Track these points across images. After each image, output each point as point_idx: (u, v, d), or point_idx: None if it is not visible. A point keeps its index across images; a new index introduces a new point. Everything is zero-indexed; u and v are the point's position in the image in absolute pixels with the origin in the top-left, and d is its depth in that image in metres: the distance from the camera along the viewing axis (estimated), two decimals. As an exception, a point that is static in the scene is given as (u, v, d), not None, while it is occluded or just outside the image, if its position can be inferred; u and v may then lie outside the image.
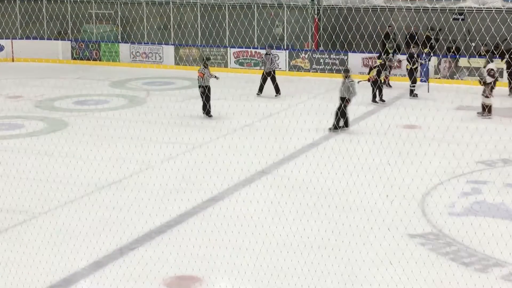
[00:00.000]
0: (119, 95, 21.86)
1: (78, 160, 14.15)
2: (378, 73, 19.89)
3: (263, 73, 21.12)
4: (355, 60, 24.44)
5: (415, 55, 21.04)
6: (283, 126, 17.08)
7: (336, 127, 16.52)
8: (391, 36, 23.76)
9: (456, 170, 13.32)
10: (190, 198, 11.91)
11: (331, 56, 24.89)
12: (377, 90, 20.13)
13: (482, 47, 22.85)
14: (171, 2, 27.43)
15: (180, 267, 9.41)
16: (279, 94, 20.98)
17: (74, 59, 28.54)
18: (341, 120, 16.57)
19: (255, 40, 25.86)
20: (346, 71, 17.08)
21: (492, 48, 22.29)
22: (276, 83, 20.93)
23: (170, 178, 13.23)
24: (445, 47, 23.46)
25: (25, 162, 13.59)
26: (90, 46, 28.24)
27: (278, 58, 21.56)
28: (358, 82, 20.90)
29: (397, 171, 12.65)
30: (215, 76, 18.34)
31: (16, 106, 19.71)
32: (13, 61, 28.56)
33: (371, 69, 20.42)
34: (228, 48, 26.18)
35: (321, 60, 25.06)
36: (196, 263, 9.56)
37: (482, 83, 18.34)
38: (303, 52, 25.37)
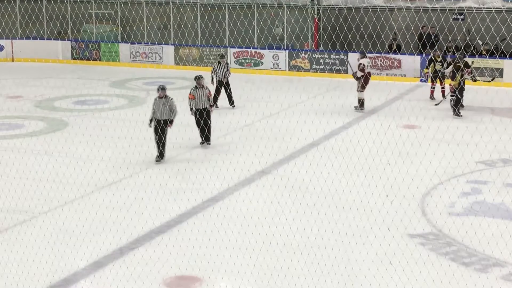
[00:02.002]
0: (119, 95, 21.86)
1: (78, 160, 14.15)
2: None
3: (216, 84, 19.52)
4: (355, 60, 24.42)
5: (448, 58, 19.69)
6: (283, 126, 17.09)
7: (160, 157, 14.30)
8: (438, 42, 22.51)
9: (456, 170, 13.32)
10: (190, 198, 11.91)
11: (331, 56, 24.89)
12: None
13: (482, 46, 22.87)
14: (171, 2, 27.42)
15: (180, 267, 9.42)
16: (233, 105, 19.71)
17: (74, 59, 28.54)
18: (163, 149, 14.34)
19: (255, 40, 25.86)
20: (163, 89, 14.49)
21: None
22: (229, 92, 19.65)
23: (170, 178, 13.24)
24: (445, 47, 23.45)
25: (25, 162, 13.59)
26: (90, 46, 28.24)
27: (229, 72, 19.61)
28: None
29: (397, 171, 12.66)
30: (214, 104, 15.91)
31: (16, 106, 19.71)
32: (13, 61, 28.56)
33: (454, 76, 18.21)
34: (228, 48, 26.17)
35: (321, 60, 25.05)
36: (196, 263, 9.56)
37: (354, 77, 19.25)
38: (303, 52, 25.36)
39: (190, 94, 15.52)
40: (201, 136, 15.55)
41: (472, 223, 10.74)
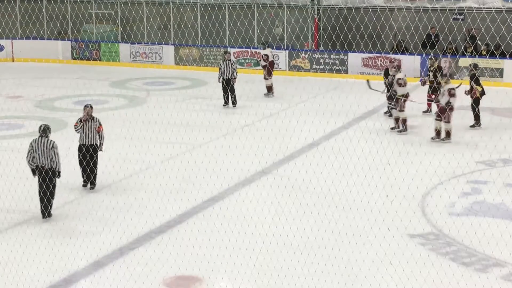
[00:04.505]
0: (119, 95, 21.86)
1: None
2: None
3: (222, 83, 19.57)
4: (355, 60, 24.43)
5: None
6: (283, 126, 17.08)
7: (46, 214, 11.27)
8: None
9: (456, 170, 13.32)
10: (190, 198, 11.91)
11: (331, 56, 24.88)
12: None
13: (482, 46, 22.86)
14: (171, 2, 27.42)
15: (180, 267, 9.42)
16: (235, 105, 19.69)
17: (74, 59, 28.53)
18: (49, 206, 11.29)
19: (255, 40, 25.84)
20: (46, 130, 11.35)
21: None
22: (235, 94, 19.68)
23: (170, 178, 13.23)
24: (445, 47, 23.44)
25: (25, 162, 13.55)
26: (90, 46, 28.23)
27: (236, 72, 19.72)
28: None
29: (397, 171, 12.65)
30: (100, 143, 12.63)
31: (16, 106, 19.70)
32: (13, 61, 28.55)
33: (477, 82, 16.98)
34: (228, 48, 26.16)
35: (321, 60, 25.05)
36: (196, 263, 9.56)
37: (261, 66, 21.68)
38: (303, 52, 25.36)
39: (76, 122, 12.70)
40: (83, 176, 12.60)
41: (472, 223, 10.74)
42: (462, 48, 23.43)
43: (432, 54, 20.69)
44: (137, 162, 13.99)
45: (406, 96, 16.75)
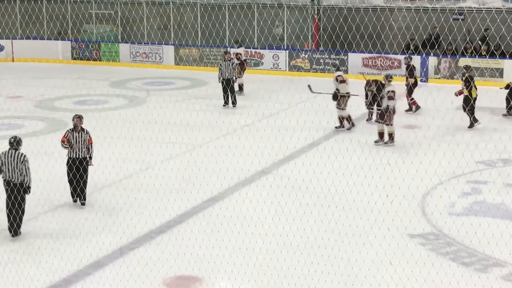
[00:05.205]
0: (119, 95, 21.85)
1: (78, 160, 14.11)
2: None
3: (222, 83, 19.48)
4: (355, 60, 24.43)
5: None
6: (283, 126, 17.08)
7: (13, 231, 10.48)
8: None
9: (456, 170, 13.31)
10: (190, 198, 11.91)
11: (331, 56, 24.88)
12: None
13: (482, 47, 22.86)
14: (171, 2, 27.42)
15: (180, 267, 9.42)
16: (235, 105, 19.61)
17: (74, 59, 28.53)
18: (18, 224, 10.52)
19: (255, 40, 25.85)
20: (16, 142, 10.54)
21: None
22: (235, 94, 19.67)
23: (170, 178, 13.24)
24: (445, 47, 23.44)
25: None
26: (90, 46, 28.23)
27: (237, 73, 19.93)
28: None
29: (397, 171, 12.65)
30: (90, 156, 11.92)
31: (16, 106, 19.70)
32: (13, 61, 28.54)
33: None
34: (228, 48, 26.16)
35: (321, 60, 25.04)
36: (196, 263, 9.57)
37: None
38: (303, 52, 25.36)
39: (64, 136, 11.79)
40: (72, 193, 11.88)
41: (472, 223, 10.74)
42: (462, 48, 23.43)
43: (408, 54, 20.72)
44: (137, 162, 13.99)
45: (347, 94, 16.76)
